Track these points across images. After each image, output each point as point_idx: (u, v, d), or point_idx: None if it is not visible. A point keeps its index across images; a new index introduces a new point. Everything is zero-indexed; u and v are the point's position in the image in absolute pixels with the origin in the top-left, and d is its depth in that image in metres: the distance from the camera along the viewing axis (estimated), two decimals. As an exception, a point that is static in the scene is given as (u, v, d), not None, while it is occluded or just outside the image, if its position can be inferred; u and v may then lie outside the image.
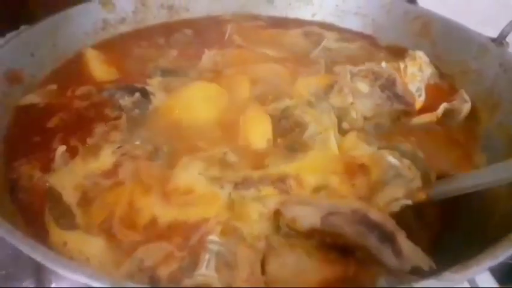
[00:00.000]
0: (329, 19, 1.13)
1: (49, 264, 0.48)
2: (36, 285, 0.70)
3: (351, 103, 0.80)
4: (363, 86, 0.82)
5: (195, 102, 0.81)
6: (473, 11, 1.09)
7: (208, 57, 0.96)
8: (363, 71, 0.84)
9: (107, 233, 0.59)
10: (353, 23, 1.11)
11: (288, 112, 0.79)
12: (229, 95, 0.84)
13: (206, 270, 0.54)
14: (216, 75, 0.91)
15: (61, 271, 0.47)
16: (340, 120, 0.79)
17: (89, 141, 0.72)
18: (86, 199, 0.63)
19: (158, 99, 0.82)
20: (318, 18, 1.14)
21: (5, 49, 0.82)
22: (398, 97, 0.82)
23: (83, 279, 0.46)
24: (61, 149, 0.69)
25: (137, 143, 0.71)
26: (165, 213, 0.61)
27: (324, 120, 0.77)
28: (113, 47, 0.98)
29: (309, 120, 0.76)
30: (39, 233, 0.59)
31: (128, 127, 0.75)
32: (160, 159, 0.69)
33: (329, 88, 0.83)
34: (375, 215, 0.57)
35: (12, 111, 0.78)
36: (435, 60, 0.93)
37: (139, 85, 0.83)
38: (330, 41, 1.04)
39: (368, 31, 1.09)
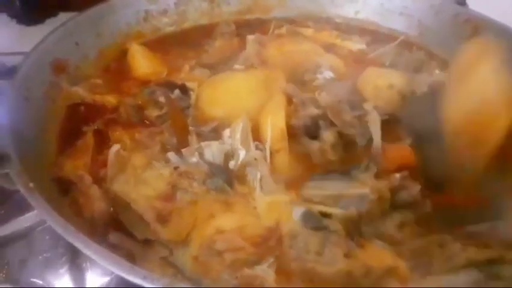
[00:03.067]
0: (373, 18, 1.10)
1: (89, 253, 0.50)
2: (73, 270, 0.71)
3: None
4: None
5: (237, 96, 0.81)
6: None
7: (252, 46, 0.95)
8: (437, 82, 0.78)
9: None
10: (397, 23, 1.08)
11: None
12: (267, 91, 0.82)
13: (267, 268, 0.57)
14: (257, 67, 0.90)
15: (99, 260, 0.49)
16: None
17: (138, 143, 0.72)
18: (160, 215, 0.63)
19: (199, 94, 0.81)
20: (361, 16, 1.11)
21: (51, 38, 0.82)
22: None
23: (118, 272, 0.48)
24: (115, 148, 0.69)
25: (194, 160, 0.69)
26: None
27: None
28: (156, 44, 0.98)
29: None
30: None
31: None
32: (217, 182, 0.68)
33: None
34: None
35: (59, 105, 0.79)
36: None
37: (178, 81, 0.83)
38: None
39: (413, 32, 1.06)
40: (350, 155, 0.74)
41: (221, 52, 0.96)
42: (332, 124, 0.75)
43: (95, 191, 0.64)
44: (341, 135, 0.74)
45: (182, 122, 0.77)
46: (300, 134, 0.75)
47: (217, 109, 0.80)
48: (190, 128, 0.76)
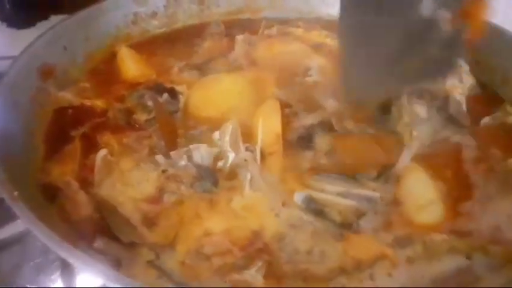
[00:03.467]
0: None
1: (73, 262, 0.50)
2: (64, 275, 0.71)
3: (411, 132, 0.74)
4: (421, 110, 0.76)
5: (227, 98, 0.81)
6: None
7: (241, 46, 0.95)
8: (418, 90, 0.78)
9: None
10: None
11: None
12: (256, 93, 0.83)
13: (255, 273, 0.57)
14: (246, 68, 0.90)
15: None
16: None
17: (126, 147, 0.72)
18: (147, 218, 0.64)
19: (188, 97, 0.81)
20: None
21: (39, 42, 0.82)
22: (451, 119, 0.77)
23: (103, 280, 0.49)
24: (102, 152, 0.69)
25: (183, 163, 0.69)
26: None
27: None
28: (145, 45, 0.98)
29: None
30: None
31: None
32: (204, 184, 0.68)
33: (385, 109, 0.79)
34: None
35: (47, 110, 0.78)
36: (475, 67, 0.90)
37: (167, 85, 0.83)
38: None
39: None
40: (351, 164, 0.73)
41: (210, 53, 0.96)
42: (330, 130, 0.76)
43: (82, 196, 0.63)
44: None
45: (171, 126, 0.77)
46: (294, 146, 0.75)
47: (207, 111, 0.80)
48: (179, 131, 0.76)
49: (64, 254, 0.50)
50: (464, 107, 0.80)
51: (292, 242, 0.61)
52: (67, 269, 0.71)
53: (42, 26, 1.09)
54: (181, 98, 0.81)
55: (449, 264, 0.60)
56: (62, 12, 1.07)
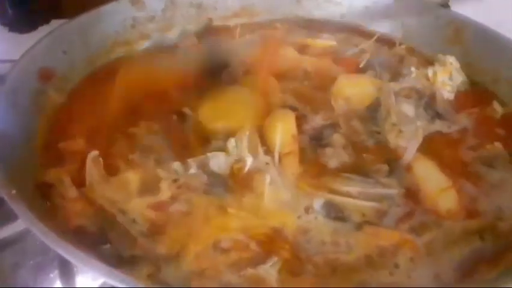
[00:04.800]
0: (358, 20, 1.12)
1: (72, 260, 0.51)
2: (63, 275, 0.72)
3: (400, 131, 0.76)
4: (409, 109, 0.78)
5: (234, 109, 0.82)
6: (508, 16, 1.05)
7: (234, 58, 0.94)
8: (405, 89, 0.80)
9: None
10: (381, 26, 1.09)
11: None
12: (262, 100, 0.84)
13: (269, 268, 0.58)
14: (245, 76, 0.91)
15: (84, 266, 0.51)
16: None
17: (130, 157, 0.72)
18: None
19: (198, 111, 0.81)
20: (347, 19, 1.13)
21: (39, 46, 0.84)
22: (438, 116, 0.79)
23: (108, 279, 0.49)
24: (93, 154, 0.69)
25: (193, 171, 0.69)
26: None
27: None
28: (143, 58, 0.98)
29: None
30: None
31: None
32: (217, 190, 0.68)
33: (374, 108, 0.81)
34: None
35: (45, 112, 0.79)
36: (466, 68, 0.91)
37: (174, 106, 0.82)
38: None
39: (397, 34, 1.07)
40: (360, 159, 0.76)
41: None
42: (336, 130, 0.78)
43: (73, 192, 0.65)
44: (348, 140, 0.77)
45: (181, 137, 0.78)
46: (309, 146, 0.76)
47: (219, 122, 0.79)
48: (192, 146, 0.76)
49: (62, 252, 0.51)
50: (451, 104, 0.83)
51: (317, 235, 0.63)
52: (66, 268, 0.72)
53: (43, 31, 1.10)
54: (189, 118, 0.81)
55: (464, 246, 0.63)
56: (63, 16, 1.09)
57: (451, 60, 0.89)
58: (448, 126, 0.80)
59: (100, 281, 0.68)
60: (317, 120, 0.80)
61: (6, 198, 0.56)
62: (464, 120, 0.82)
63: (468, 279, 0.59)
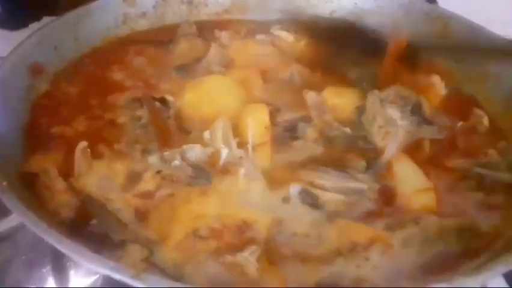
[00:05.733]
0: (348, 17, 1.13)
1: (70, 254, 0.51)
2: (56, 270, 0.72)
3: (387, 132, 0.77)
4: (395, 114, 0.79)
5: (217, 96, 0.83)
6: (496, 12, 1.06)
7: (216, 49, 0.96)
8: (391, 95, 0.81)
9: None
10: (371, 22, 1.09)
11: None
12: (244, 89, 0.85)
13: (248, 256, 0.58)
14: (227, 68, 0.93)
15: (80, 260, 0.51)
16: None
17: (116, 147, 0.73)
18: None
19: (180, 99, 0.83)
20: (336, 15, 1.13)
21: (30, 41, 0.84)
22: (426, 121, 0.80)
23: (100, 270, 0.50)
24: (82, 145, 0.70)
25: (177, 162, 0.70)
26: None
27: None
28: (128, 50, 0.98)
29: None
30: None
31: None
32: (200, 182, 0.69)
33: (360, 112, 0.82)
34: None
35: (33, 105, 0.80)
36: (454, 64, 0.92)
37: (156, 95, 0.83)
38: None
39: (386, 30, 1.08)
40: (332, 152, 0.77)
41: (186, 55, 0.97)
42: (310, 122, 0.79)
43: (60, 184, 0.65)
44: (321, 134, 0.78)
45: (166, 126, 0.79)
46: (282, 138, 0.78)
47: (201, 111, 0.81)
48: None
49: (55, 243, 0.51)
50: (438, 110, 0.84)
51: (290, 226, 0.64)
52: (58, 263, 0.72)
53: (34, 27, 1.09)
54: (172, 105, 0.82)
55: (438, 245, 0.63)
56: (54, 13, 1.08)
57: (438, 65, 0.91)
58: (438, 132, 0.81)
59: (92, 277, 0.69)
60: (291, 114, 0.82)
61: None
62: (452, 125, 0.83)
63: (432, 277, 0.58)
